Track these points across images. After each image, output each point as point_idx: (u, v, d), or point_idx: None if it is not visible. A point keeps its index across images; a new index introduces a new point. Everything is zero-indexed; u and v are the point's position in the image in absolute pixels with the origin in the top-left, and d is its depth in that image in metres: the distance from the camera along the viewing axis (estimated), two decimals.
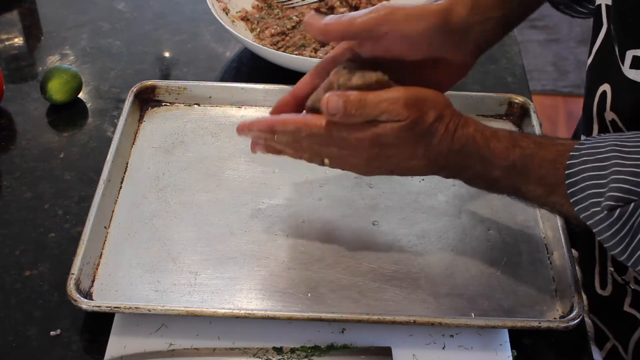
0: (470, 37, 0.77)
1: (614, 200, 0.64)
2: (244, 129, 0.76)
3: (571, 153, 0.68)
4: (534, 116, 0.95)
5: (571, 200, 0.67)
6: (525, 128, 0.96)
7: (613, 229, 0.65)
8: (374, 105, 0.69)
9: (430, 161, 0.72)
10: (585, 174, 0.66)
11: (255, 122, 0.75)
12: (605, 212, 0.65)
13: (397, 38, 0.74)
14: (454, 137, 0.70)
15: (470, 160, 0.72)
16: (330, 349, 0.74)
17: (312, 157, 0.75)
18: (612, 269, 0.86)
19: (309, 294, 0.78)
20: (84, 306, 0.73)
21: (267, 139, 0.75)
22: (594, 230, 0.68)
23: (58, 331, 0.76)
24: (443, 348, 0.75)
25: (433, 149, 0.71)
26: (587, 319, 0.89)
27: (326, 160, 0.74)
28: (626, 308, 0.86)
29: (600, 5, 0.82)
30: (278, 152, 0.76)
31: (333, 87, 0.72)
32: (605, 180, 0.65)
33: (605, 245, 0.68)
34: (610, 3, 0.79)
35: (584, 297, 0.90)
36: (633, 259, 0.66)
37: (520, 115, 0.97)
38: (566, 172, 0.67)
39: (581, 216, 0.67)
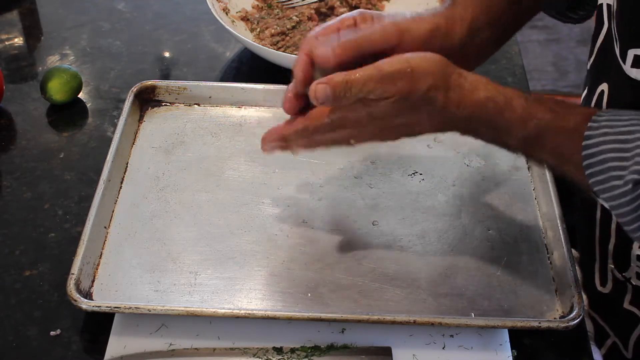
0: (467, 50, 0.76)
1: (639, 174, 0.62)
2: (264, 147, 0.74)
3: (589, 124, 0.66)
4: None
5: (587, 172, 0.66)
6: None
7: (635, 204, 0.64)
8: (360, 85, 0.67)
9: (438, 126, 0.71)
10: (605, 146, 0.65)
11: (266, 137, 0.73)
12: (630, 186, 0.63)
13: (405, 48, 0.72)
14: (460, 104, 0.68)
15: (482, 128, 0.70)
16: (330, 349, 0.74)
17: (332, 144, 0.73)
18: (613, 266, 0.86)
19: (309, 294, 0.78)
20: (84, 306, 0.73)
21: (284, 146, 0.74)
22: (608, 204, 0.66)
23: (58, 331, 0.76)
24: (443, 348, 0.75)
25: (436, 116, 0.69)
26: (587, 319, 0.89)
27: (351, 140, 0.72)
28: (626, 305, 0.86)
29: (601, 5, 0.82)
30: (310, 146, 0.74)
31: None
32: (629, 154, 0.63)
33: (620, 221, 0.66)
34: (611, 3, 0.79)
35: (584, 295, 0.90)
36: None
37: None
38: (584, 143, 0.66)
39: (595, 189, 0.66)
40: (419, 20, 0.73)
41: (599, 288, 0.89)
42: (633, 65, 0.75)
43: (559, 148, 0.69)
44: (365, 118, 0.69)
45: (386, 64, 0.67)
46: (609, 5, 0.81)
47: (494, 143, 0.73)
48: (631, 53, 0.74)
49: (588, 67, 0.90)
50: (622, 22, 0.76)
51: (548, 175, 0.87)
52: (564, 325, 0.74)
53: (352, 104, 0.68)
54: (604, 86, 0.82)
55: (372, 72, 0.67)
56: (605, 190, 0.66)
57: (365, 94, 0.67)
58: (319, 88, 0.67)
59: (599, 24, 0.84)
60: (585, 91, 0.91)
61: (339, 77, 0.67)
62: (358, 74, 0.67)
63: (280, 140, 0.73)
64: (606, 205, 0.67)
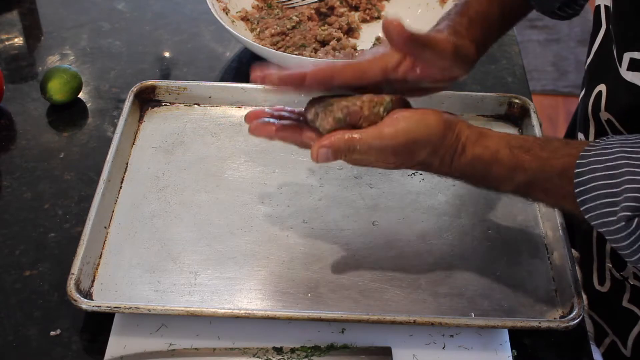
0: (461, 56, 0.76)
1: (630, 211, 0.63)
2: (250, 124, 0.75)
3: (578, 161, 0.67)
4: (534, 116, 0.95)
5: (581, 209, 0.67)
6: (525, 128, 0.96)
7: (631, 239, 0.64)
8: (362, 153, 0.69)
9: (434, 173, 0.73)
10: (595, 183, 0.65)
11: (251, 114, 0.75)
12: (623, 223, 0.64)
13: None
14: (452, 166, 0.71)
15: (473, 180, 0.73)
16: (330, 349, 0.74)
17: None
18: (611, 265, 0.87)
19: (309, 294, 0.78)
20: (84, 306, 0.73)
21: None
22: (607, 238, 0.67)
23: (58, 331, 0.76)
24: (443, 348, 0.75)
25: (433, 171, 0.72)
26: (586, 318, 0.89)
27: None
28: (625, 304, 0.86)
29: (599, 5, 0.83)
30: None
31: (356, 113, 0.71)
32: (618, 189, 0.64)
33: (621, 253, 0.67)
34: (609, 4, 0.79)
35: (584, 295, 0.90)
36: None
37: (520, 115, 0.97)
38: (575, 181, 0.67)
39: (593, 223, 0.67)
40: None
41: (598, 287, 0.90)
42: (629, 69, 0.75)
43: (552, 191, 0.70)
44: (362, 163, 0.72)
45: (388, 136, 0.69)
46: (606, 7, 0.81)
47: (489, 191, 0.76)
48: (627, 56, 0.74)
49: (586, 67, 0.90)
50: (618, 25, 0.76)
51: None
52: (564, 325, 0.74)
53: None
54: (601, 87, 0.82)
55: (374, 141, 0.69)
56: (602, 225, 0.66)
57: (366, 160, 0.70)
58: (320, 152, 0.70)
59: (597, 24, 0.84)
60: (583, 91, 0.91)
61: (340, 141, 0.69)
62: (361, 141, 0.69)
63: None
64: (606, 238, 0.68)
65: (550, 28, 2.70)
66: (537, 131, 0.93)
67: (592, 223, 0.67)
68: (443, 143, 0.70)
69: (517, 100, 0.97)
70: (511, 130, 0.96)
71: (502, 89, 1.04)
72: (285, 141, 0.74)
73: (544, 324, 0.74)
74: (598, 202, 0.65)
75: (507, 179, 0.70)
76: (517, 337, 0.76)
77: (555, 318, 0.76)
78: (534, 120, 0.94)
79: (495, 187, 0.73)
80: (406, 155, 0.70)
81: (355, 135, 0.69)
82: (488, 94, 0.99)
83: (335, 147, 0.69)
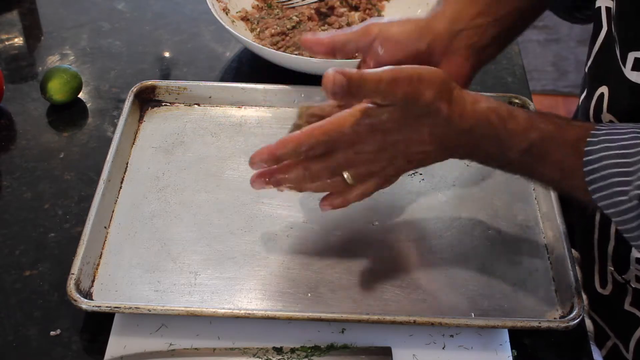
0: (459, 43, 0.78)
1: None
2: (253, 180, 0.73)
3: (589, 139, 0.66)
4: None
5: (590, 188, 0.65)
6: None
7: None
8: (373, 82, 0.67)
9: (439, 143, 0.70)
10: (607, 161, 0.64)
11: (256, 154, 0.71)
12: (635, 202, 0.63)
13: (386, 39, 0.76)
14: (463, 115, 0.68)
15: (484, 141, 0.70)
16: (330, 349, 0.74)
17: (328, 176, 0.72)
18: (612, 269, 0.86)
19: (309, 294, 0.78)
20: (84, 306, 0.73)
21: (276, 175, 0.72)
22: (614, 219, 0.66)
23: (58, 331, 0.76)
24: (443, 348, 0.75)
25: (439, 129, 0.69)
26: (587, 319, 0.89)
27: (345, 174, 0.71)
28: (627, 307, 0.86)
29: (599, 7, 0.82)
30: (296, 187, 0.73)
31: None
32: (632, 169, 0.63)
33: (626, 236, 0.66)
34: (610, 5, 0.79)
35: (584, 296, 0.90)
36: None
37: None
38: (585, 158, 0.65)
39: (600, 204, 0.66)
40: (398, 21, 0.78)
41: (599, 290, 0.89)
42: (633, 69, 0.75)
43: (562, 162, 0.68)
44: (365, 131, 0.69)
45: (397, 69, 0.68)
46: (608, 8, 0.81)
47: (493, 161, 0.72)
48: (631, 56, 0.74)
49: (586, 69, 0.89)
50: (621, 25, 0.76)
51: None
52: (564, 325, 0.74)
53: (354, 117, 0.69)
54: (603, 89, 0.82)
55: (384, 72, 0.67)
56: (611, 206, 0.65)
57: (375, 92, 0.67)
58: (337, 76, 0.67)
59: (597, 26, 0.84)
60: (584, 94, 0.91)
61: (354, 71, 0.68)
62: (372, 72, 0.68)
63: (270, 159, 0.71)
64: (612, 219, 0.67)
65: (550, 28, 2.70)
66: None
67: (600, 204, 0.65)
68: (448, 87, 0.68)
69: (517, 100, 0.97)
70: None
71: (502, 89, 1.04)
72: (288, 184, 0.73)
73: (544, 324, 0.74)
74: (609, 180, 0.64)
75: (521, 136, 0.68)
76: (517, 337, 0.76)
77: (555, 318, 0.76)
78: None
79: (504, 150, 0.69)
80: (414, 89, 0.67)
81: (367, 70, 0.68)
82: (488, 94, 0.98)
83: (349, 73, 0.66)
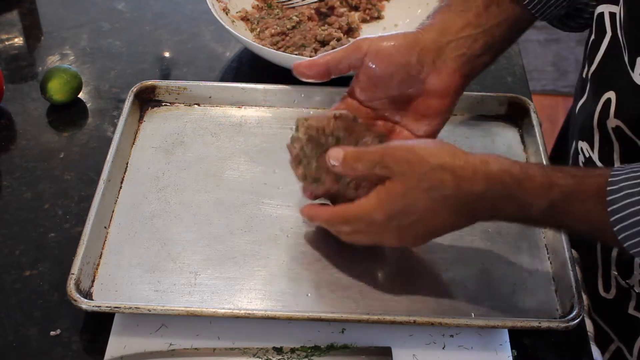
0: (447, 54, 0.78)
1: None
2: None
3: (609, 188, 0.63)
4: (534, 116, 0.95)
5: (620, 237, 0.63)
6: (525, 128, 0.96)
7: None
8: (369, 157, 0.70)
9: (455, 213, 0.69)
10: (634, 208, 0.62)
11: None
12: None
13: (376, 54, 0.77)
14: (473, 180, 0.67)
15: (501, 202, 0.68)
16: (330, 349, 0.74)
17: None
18: (616, 273, 0.86)
19: (309, 294, 0.78)
20: (84, 306, 0.73)
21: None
22: None
23: (58, 331, 0.76)
24: (443, 348, 0.75)
25: (451, 200, 0.68)
26: (587, 319, 0.89)
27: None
28: (631, 311, 0.85)
29: (602, 13, 0.82)
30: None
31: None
32: None
33: None
34: (613, 10, 0.79)
35: (587, 298, 0.90)
36: None
37: (520, 115, 0.97)
38: (609, 209, 0.63)
39: (633, 251, 0.64)
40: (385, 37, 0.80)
41: (603, 294, 0.89)
42: None
43: (588, 216, 0.66)
44: (379, 222, 0.71)
45: (392, 144, 0.71)
46: (611, 14, 0.81)
47: (517, 220, 0.71)
48: None
49: (587, 75, 0.89)
50: (630, 31, 0.76)
51: None
52: (564, 325, 0.74)
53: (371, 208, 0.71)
54: (610, 94, 0.82)
55: (378, 149, 0.71)
56: None
57: (372, 166, 0.70)
58: (333, 150, 0.73)
59: (600, 32, 0.84)
60: (584, 98, 0.91)
61: (353, 148, 0.73)
62: (368, 149, 0.72)
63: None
64: None
65: (550, 28, 2.69)
66: (537, 131, 0.92)
67: (634, 251, 0.63)
68: (450, 154, 0.68)
69: (517, 100, 0.97)
70: (512, 130, 0.96)
71: (502, 89, 1.04)
72: None
73: (544, 324, 0.74)
74: (639, 227, 0.62)
75: (541, 195, 0.66)
76: (517, 337, 0.76)
77: (555, 318, 0.76)
78: (534, 120, 0.94)
79: (525, 209, 0.67)
80: (408, 164, 0.68)
81: (364, 149, 0.74)
82: (488, 94, 0.99)
83: (345, 150, 0.73)
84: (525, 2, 0.80)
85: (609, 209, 0.63)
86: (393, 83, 0.78)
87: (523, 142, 0.95)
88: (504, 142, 0.95)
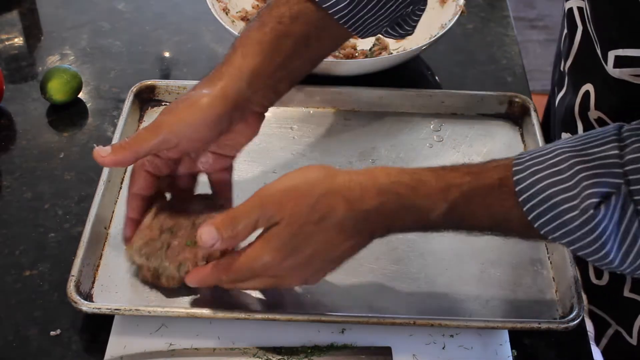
0: (254, 104, 0.75)
1: (597, 197, 0.59)
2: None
3: (514, 169, 0.63)
4: (534, 115, 0.95)
5: (530, 217, 0.62)
6: (525, 127, 0.96)
7: (595, 233, 0.60)
8: (245, 216, 0.66)
9: (353, 235, 0.67)
10: (541, 184, 0.61)
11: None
12: (591, 211, 0.60)
13: (179, 133, 0.72)
14: (364, 198, 0.65)
15: (398, 213, 0.66)
16: (330, 349, 0.74)
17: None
18: None
19: (309, 294, 0.78)
20: (84, 308, 0.73)
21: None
22: (565, 241, 0.62)
23: (58, 331, 0.76)
24: (443, 348, 0.75)
25: (347, 224, 0.66)
26: (587, 319, 0.89)
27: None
28: (626, 294, 0.85)
29: (571, 8, 0.83)
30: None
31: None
32: (571, 182, 0.60)
33: (589, 259, 0.63)
34: (581, 5, 0.80)
35: (584, 296, 0.90)
36: (632, 261, 0.62)
37: (520, 114, 0.97)
38: (516, 189, 0.62)
39: (545, 230, 0.62)
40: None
41: (595, 281, 0.89)
42: (615, 66, 0.75)
43: (492, 207, 0.65)
44: (277, 258, 0.68)
45: (265, 189, 0.67)
46: (579, 8, 0.81)
47: (416, 229, 0.69)
48: (612, 54, 0.74)
49: (564, 68, 0.89)
50: (598, 26, 0.76)
51: None
52: (563, 325, 0.74)
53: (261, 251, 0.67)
54: (588, 87, 0.82)
55: (252, 200, 0.67)
56: (559, 227, 0.62)
57: (254, 223, 0.66)
58: (203, 231, 0.66)
59: (572, 26, 0.84)
60: (562, 92, 0.91)
61: (221, 215, 0.67)
62: (240, 206, 0.67)
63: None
64: (569, 247, 0.64)
65: (550, 28, 2.70)
66: (537, 130, 0.92)
67: (546, 229, 0.62)
68: (332, 178, 0.66)
69: (517, 99, 0.97)
70: (512, 130, 0.96)
71: (502, 89, 1.04)
72: None
73: (544, 325, 0.74)
74: (550, 202, 0.61)
75: (439, 197, 0.65)
76: (517, 337, 0.76)
77: (555, 318, 0.76)
78: (534, 119, 0.94)
79: (425, 215, 0.66)
80: (293, 201, 0.66)
81: (234, 208, 0.68)
82: (488, 93, 0.98)
83: (216, 221, 0.67)
84: (350, 28, 0.77)
85: (516, 189, 0.62)
86: (198, 145, 0.75)
87: (523, 141, 0.95)
88: (504, 141, 0.95)
